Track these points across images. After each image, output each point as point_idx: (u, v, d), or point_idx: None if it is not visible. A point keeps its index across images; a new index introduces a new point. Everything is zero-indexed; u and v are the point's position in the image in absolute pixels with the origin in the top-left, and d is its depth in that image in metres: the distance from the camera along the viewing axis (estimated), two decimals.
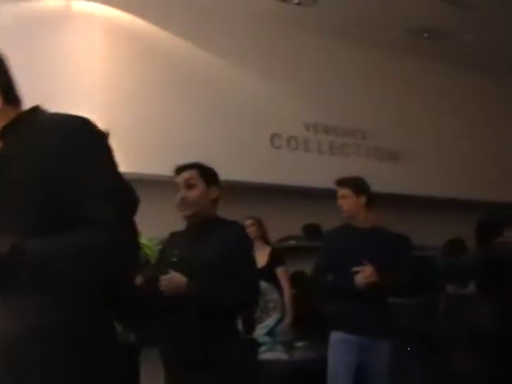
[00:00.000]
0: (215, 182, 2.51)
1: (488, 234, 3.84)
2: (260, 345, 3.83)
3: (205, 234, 2.40)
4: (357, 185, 3.40)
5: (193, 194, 2.40)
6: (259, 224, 4.55)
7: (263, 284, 3.63)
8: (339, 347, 3.18)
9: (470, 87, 6.31)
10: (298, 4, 4.92)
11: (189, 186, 2.41)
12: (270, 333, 3.96)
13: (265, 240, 4.61)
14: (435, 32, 5.49)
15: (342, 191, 3.36)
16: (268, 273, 4.30)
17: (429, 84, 6.01)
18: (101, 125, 1.26)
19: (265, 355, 3.78)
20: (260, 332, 3.94)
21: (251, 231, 4.12)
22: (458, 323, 4.52)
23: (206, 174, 2.48)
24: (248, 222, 4.32)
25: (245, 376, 2.33)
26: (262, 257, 4.26)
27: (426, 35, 5.56)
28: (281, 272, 4.50)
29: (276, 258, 4.52)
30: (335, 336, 3.23)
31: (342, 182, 3.41)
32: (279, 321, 4.15)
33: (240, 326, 3.00)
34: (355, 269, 3.11)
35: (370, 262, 3.13)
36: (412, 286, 3.44)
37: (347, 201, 3.34)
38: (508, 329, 3.87)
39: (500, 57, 5.96)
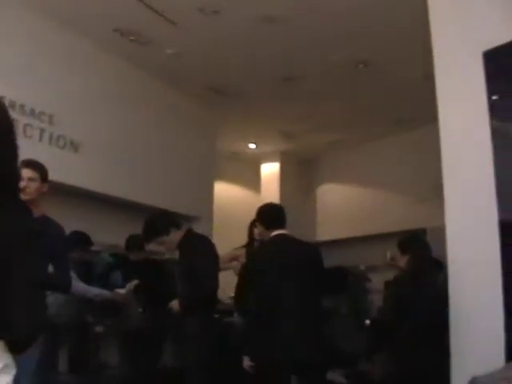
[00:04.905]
0: None
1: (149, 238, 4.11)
2: None
3: None
4: (44, 171, 3.32)
5: None
6: None
7: None
8: None
9: (162, 97, 6.75)
10: None
11: None
12: None
13: None
14: (142, 38, 5.75)
15: (30, 173, 3.21)
16: None
17: (124, 83, 6.21)
18: None
19: None
20: None
21: None
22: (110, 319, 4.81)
23: None
24: None
25: None
26: None
27: (132, 38, 5.76)
28: None
29: None
30: None
31: (32, 164, 3.26)
32: None
33: None
34: None
35: None
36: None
37: (33, 184, 3.22)
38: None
39: (195, 75, 6.56)
